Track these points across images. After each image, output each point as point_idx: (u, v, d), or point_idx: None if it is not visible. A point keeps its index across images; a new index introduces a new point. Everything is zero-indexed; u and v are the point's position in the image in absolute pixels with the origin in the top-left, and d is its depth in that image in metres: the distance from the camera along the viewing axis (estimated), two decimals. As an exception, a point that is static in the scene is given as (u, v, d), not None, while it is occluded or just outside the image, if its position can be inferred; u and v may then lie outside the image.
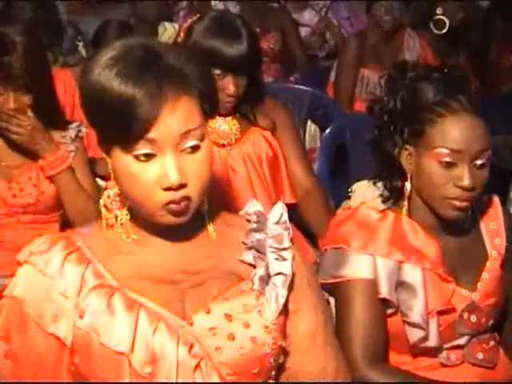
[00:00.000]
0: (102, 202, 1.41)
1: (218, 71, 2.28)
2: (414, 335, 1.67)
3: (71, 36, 4.29)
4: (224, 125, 2.45)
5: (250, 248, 1.42)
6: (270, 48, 4.15)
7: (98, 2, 4.84)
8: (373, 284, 1.66)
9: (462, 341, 1.73)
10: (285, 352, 1.44)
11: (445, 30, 3.92)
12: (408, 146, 1.69)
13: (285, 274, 1.40)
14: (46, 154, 2.37)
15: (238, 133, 2.45)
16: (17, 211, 2.41)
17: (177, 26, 3.94)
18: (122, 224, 1.40)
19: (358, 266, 1.68)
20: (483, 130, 1.65)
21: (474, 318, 1.72)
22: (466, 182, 1.63)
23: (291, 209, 2.53)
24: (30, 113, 2.33)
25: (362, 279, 1.67)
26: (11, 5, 4.05)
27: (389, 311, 1.69)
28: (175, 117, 1.27)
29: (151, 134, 1.27)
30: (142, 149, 1.28)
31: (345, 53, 3.76)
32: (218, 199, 2.36)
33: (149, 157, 1.28)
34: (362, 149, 3.19)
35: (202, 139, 1.31)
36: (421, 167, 1.67)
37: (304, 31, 4.47)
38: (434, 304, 1.67)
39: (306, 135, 3.56)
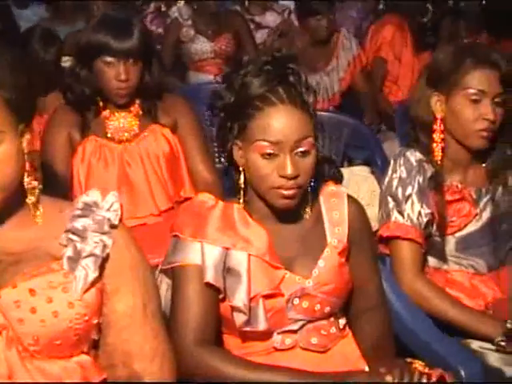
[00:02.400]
0: None
1: (109, 59, 2.40)
2: (239, 319, 1.71)
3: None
4: (123, 121, 2.53)
5: (67, 231, 1.53)
6: (221, 49, 4.22)
7: (71, 11, 4.92)
8: (201, 270, 1.72)
9: (295, 326, 1.76)
10: (100, 329, 1.55)
11: (427, 19, 3.97)
12: (238, 141, 1.75)
13: (96, 256, 1.52)
14: None
15: (136, 129, 2.53)
16: None
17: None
18: None
19: (188, 253, 1.74)
20: (300, 119, 1.69)
21: (305, 304, 1.75)
22: (288, 171, 1.68)
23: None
24: None
25: (191, 265, 1.73)
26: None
27: (220, 296, 1.74)
28: None
29: None
30: None
31: None
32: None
33: None
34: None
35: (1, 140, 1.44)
36: (248, 161, 1.72)
37: (266, 33, 4.53)
38: (258, 289, 1.71)
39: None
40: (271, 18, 4.64)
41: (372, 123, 3.78)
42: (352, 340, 1.87)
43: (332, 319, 1.82)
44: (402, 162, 2.15)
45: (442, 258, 2.16)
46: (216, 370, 1.69)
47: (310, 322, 1.78)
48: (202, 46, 4.22)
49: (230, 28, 4.27)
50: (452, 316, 2.04)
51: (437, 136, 2.14)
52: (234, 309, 1.72)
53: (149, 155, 2.52)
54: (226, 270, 1.73)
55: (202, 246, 1.73)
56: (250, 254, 1.73)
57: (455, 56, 2.14)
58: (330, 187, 1.88)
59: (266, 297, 1.72)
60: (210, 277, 1.71)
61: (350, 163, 3.38)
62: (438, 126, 2.14)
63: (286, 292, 1.74)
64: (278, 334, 1.76)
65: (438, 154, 2.14)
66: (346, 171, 3.08)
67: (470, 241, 2.15)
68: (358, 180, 2.96)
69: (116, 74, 2.43)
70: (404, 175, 2.13)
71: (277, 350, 1.77)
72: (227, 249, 1.73)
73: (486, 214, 2.16)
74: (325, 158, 3.15)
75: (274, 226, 1.78)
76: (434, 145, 2.14)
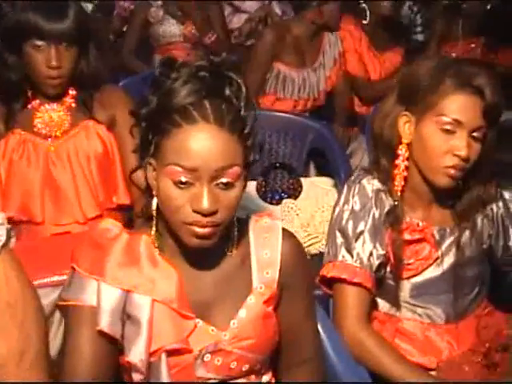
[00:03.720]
0: None
1: (39, 42, 2.13)
2: (136, 376, 1.44)
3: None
4: (53, 114, 2.25)
5: None
6: (190, 33, 3.92)
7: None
8: (95, 313, 1.43)
9: (205, 386, 1.49)
10: None
11: (367, 19, 3.70)
12: (152, 160, 1.45)
13: None
14: None
15: (67, 124, 2.24)
16: None
17: (90, 7, 3.71)
18: None
19: (83, 291, 1.45)
20: (225, 143, 1.38)
21: (219, 361, 1.48)
22: (204, 205, 1.38)
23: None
24: None
25: (85, 306, 1.44)
26: None
27: (119, 345, 1.46)
28: None
29: None
30: None
31: (259, 45, 3.46)
32: (32, 197, 2.20)
33: None
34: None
35: None
36: (159, 186, 1.42)
37: (244, 19, 4.23)
38: (161, 342, 1.43)
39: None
40: (251, 3, 4.31)
41: (341, 135, 3.47)
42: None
43: (253, 377, 1.55)
44: (356, 191, 1.84)
45: (395, 303, 1.87)
46: None
47: (224, 381, 1.51)
48: (171, 28, 3.91)
49: (199, 11, 3.95)
50: (396, 375, 1.74)
51: (400, 163, 1.82)
52: (130, 365, 1.44)
53: (78, 155, 2.21)
54: (126, 316, 1.44)
55: (98, 285, 1.44)
56: (154, 300, 1.44)
57: (435, 73, 1.77)
58: (263, 220, 1.58)
59: (171, 352, 1.44)
60: (104, 324, 1.43)
61: (319, 172, 3.08)
62: (402, 152, 1.81)
63: (196, 346, 1.46)
64: (185, 393, 1.50)
65: (399, 184, 1.82)
66: (306, 182, 2.80)
67: (428, 287, 1.86)
68: (317, 193, 2.68)
69: (46, 59, 2.13)
70: (357, 208, 1.82)
71: (185, 412, 1.50)
72: (128, 291, 1.45)
73: (449, 259, 1.86)
74: (283, 166, 2.92)
75: (188, 265, 1.50)
76: (396, 171, 1.83)
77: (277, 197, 2.70)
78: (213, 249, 1.49)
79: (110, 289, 1.44)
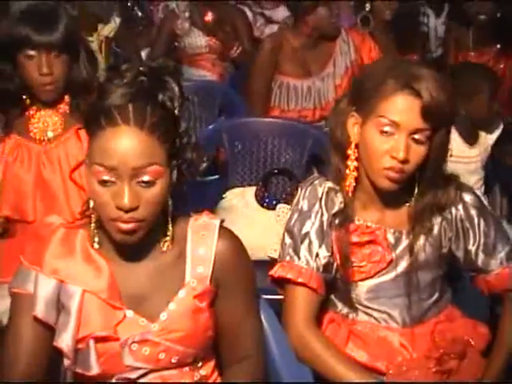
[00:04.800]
0: None
1: (30, 52, 2.26)
2: (65, 362, 1.54)
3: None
4: (47, 120, 2.38)
5: None
6: (216, 44, 4.02)
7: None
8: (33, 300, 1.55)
9: (133, 374, 1.57)
10: None
11: (370, 27, 3.73)
12: (87, 159, 1.55)
13: None
14: None
15: (59, 128, 2.38)
16: None
17: (118, 21, 3.86)
18: None
19: (24, 280, 1.58)
20: (143, 144, 1.47)
21: (147, 351, 1.55)
22: (124, 201, 1.47)
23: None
24: None
25: (26, 294, 1.57)
26: None
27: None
28: None
29: None
30: None
31: (258, 55, 3.51)
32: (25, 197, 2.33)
33: None
34: (240, 153, 3.07)
35: None
36: (88, 184, 1.53)
37: (276, 29, 4.30)
38: (90, 330, 1.52)
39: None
40: (283, 14, 4.39)
41: None
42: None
43: (186, 369, 1.62)
44: (307, 192, 1.89)
45: (349, 305, 1.90)
46: None
47: (154, 371, 1.58)
48: (197, 39, 4.04)
49: (226, 23, 4.05)
50: (340, 376, 1.77)
51: (350, 163, 1.84)
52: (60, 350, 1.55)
53: (68, 159, 2.35)
54: (61, 306, 1.55)
55: (36, 275, 1.56)
56: (84, 290, 1.54)
57: (379, 75, 1.79)
58: (201, 219, 1.65)
59: (99, 339, 1.53)
60: (38, 310, 1.54)
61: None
62: (352, 152, 1.84)
63: (124, 335, 1.55)
64: (118, 379, 1.58)
65: (350, 184, 1.84)
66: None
67: (382, 290, 1.88)
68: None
69: (38, 67, 2.27)
70: (305, 208, 1.87)
71: (114, 398, 1.58)
72: (62, 282, 1.55)
73: (403, 262, 1.88)
74: (284, 172, 2.98)
75: (123, 259, 1.60)
76: (347, 171, 1.85)
77: (274, 202, 2.76)
78: (147, 244, 1.59)
79: (46, 279, 1.56)
